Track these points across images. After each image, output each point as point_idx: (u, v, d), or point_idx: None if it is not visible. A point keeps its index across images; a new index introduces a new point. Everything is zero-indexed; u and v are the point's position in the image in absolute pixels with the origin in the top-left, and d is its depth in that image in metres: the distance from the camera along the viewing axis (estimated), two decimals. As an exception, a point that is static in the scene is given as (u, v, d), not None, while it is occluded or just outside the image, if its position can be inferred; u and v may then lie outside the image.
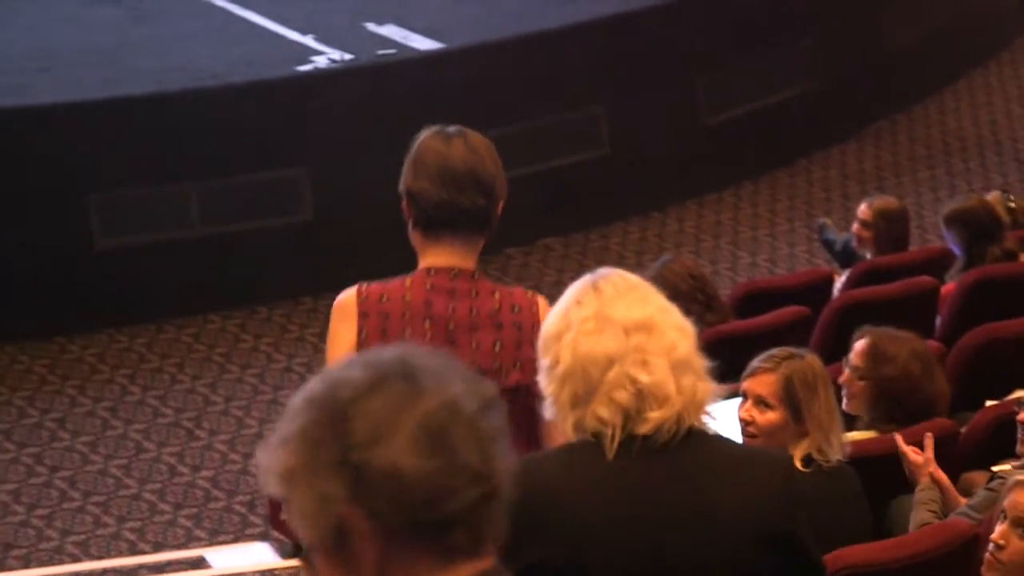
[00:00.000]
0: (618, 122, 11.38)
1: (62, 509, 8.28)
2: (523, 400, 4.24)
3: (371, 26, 11.07)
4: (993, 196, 8.77)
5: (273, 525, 6.81)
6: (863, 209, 8.55)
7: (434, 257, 4.58)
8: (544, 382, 3.58)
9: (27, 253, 9.28)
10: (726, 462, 3.60)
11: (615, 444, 3.44)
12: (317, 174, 10.48)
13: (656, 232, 11.22)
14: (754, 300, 8.04)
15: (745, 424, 5.34)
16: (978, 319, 7.29)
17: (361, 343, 4.48)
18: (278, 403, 8.90)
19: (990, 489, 5.49)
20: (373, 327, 4.51)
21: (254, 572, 7.68)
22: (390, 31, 11.03)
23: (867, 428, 6.19)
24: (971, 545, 5.11)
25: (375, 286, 4.57)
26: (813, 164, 12.02)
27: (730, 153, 11.82)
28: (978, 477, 5.71)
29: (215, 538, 8.19)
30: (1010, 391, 6.26)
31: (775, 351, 5.52)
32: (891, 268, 8.17)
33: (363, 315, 4.51)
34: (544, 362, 3.60)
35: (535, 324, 4.37)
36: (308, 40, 10.89)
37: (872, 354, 6.17)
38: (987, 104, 13.02)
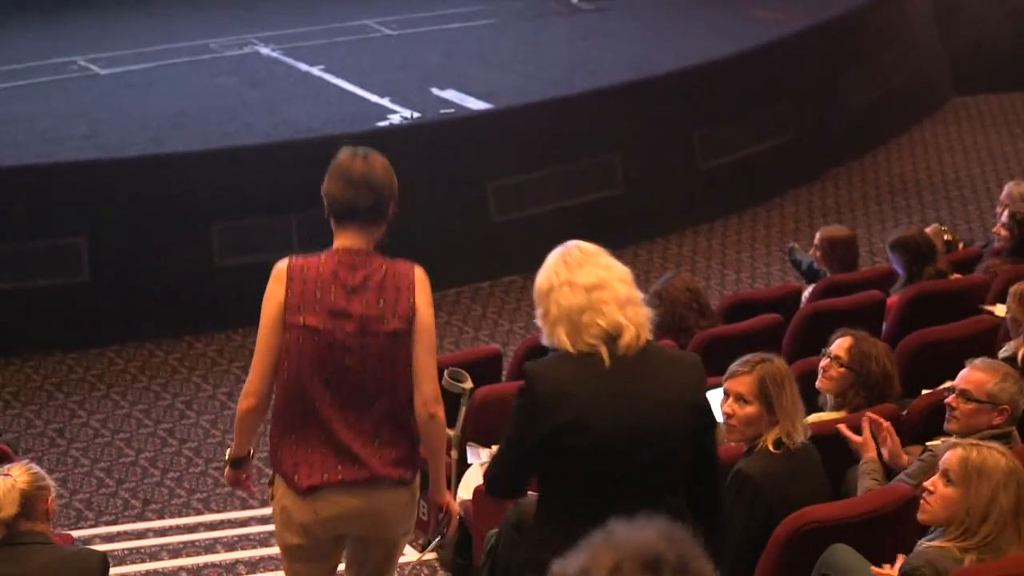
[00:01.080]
0: (631, 167, 11.38)
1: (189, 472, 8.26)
2: (401, 339, 4.82)
3: (435, 90, 11.08)
4: (931, 228, 8.76)
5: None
6: (817, 236, 8.56)
7: (342, 240, 4.94)
8: (542, 323, 4.40)
9: (164, 269, 9.31)
10: (667, 362, 4.41)
11: (606, 357, 4.22)
12: (400, 204, 10.48)
13: (660, 254, 11.22)
14: (738, 309, 8.03)
15: (727, 417, 5.36)
16: (916, 325, 7.29)
17: (287, 298, 4.81)
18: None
19: (922, 460, 5.52)
20: (296, 288, 4.84)
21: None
22: (450, 94, 11.02)
23: (834, 409, 6.19)
24: (910, 505, 5.12)
25: (300, 259, 4.91)
26: (785, 201, 12.01)
27: (719, 192, 11.82)
28: (914, 450, 5.70)
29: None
30: (941, 382, 6.24)
31: (750, 356, 5.48)
32: (847, 284, 8.17)
33: (290, 279, 4.84)
34: (539, 311, 4.42)
35: (411, 286, 4.89)
36: (385, 101, 10.89)
37: (857, 350, 6.17)
38: (924, 154, 13.01)
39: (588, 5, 12.98)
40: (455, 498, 5.84)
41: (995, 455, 4.74)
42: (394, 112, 10.75)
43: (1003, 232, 8.56)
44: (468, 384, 6.61)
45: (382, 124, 10.62)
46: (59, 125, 10.34)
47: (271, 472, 4.95)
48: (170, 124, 10.29)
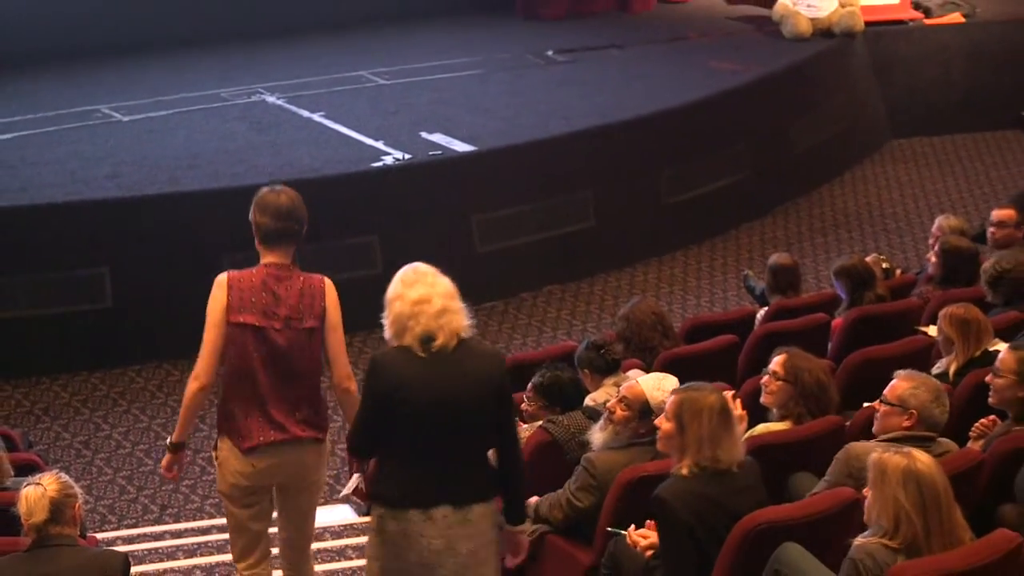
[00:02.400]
0: (602, 202, 11.39)
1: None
2: (316, 334, 5.58)
3: (424, 134, 11.06)
4: (871, 257, 8.77)
5: (355, 494, 6.94)
6: (767, 268, 8.58)
7: (269, 258, 5.60)
8: (386, 323, 5.10)
9: (180, 295, 9.27)
10: (475, 356, 5.14)
11: (420, 352, 5.03)
12: (385, 240, 10.50)
13: (628, 281, 11.22)
14: (698, 331, 8.03)
15: (658, 428, 5.40)
16: (858, 344, 7.30)
17: (229, 302, 5.49)
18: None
19: (837, 459, 5.56)
20: (235, 294, 5.51)
21: (339, 526, 7.64)
22: (438, 138, 11.00)
23: (778, 420, 6.19)
24: (853, 506, 5.13)
25: (236, 272, 5.58)
26: (741, 233, 12.03)
27: (682, 225, 11.83)
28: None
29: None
30: (878, 395, 6.25)
31: (694, 383, 5.49)
32: (796, 307, 8.17)
33: (230, 287, 5.52)
34: (385, 313, 5.11)
35: (322, 293, 5.60)
36: (379, 144, 10.86)
37: (791, 364, 6.18)
38: (864, 191, 13.05)
39: (562, 57, 12.99)
40: None
41: (895, 457, 4.74)
42: (387, 154, 10.71)
43: (934, 260, 8.59)
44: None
45: (376, 165, 10.58)
46: (85, 167, 10.32)
47: (215, 437, 5.70)
48: (185, 165, 10.27)
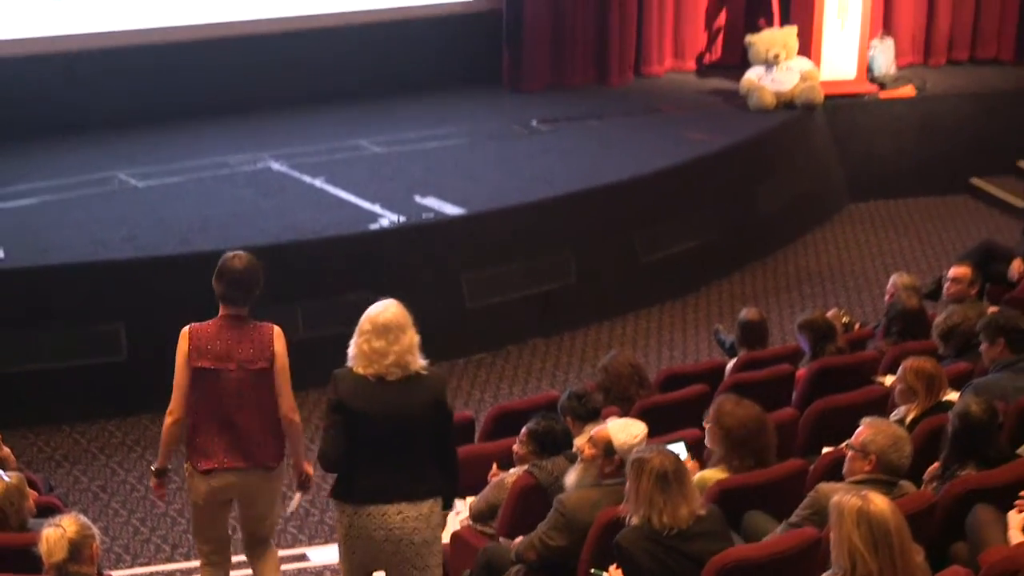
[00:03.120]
0: (582, 261, 11.42)
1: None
2: (266, 374, 6.09)
3: (418, 198, 11.09)
4: (832, 312, 8.81)
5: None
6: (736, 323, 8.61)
7: (226, 311, 6.14)
8: (350, 351, 5.72)
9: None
10: (420, 383, 5.72)
11: (373, 379, 5.65)
12: (382, 296, 10.48)
13: (607, 335, 11.24)
14: (672, 381, 8.05)
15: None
16: (820, 393, 7.33)
17: (189, 350, 6.07)
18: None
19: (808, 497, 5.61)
20: (193, 344, 6.08)
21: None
22: (431, 201, 11.03)
23: (715, 465, 6.17)
24: (815, 545, 5.14)
25: (197, 325, 6.14)
26: (711, 290, 12.06)
27: (657, 283, 11.85)
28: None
29: (312, 541, 8.17)
30: (841, 441, 6.27)
31: (651, 447, 5.58)
32: (762, 359, 8.20)
33: (190, 338, 6.11)
34: (351, 343, 5.72)
35: (271, 339, 6.12)
36: (376, 208, 10.87)
37: (717, 411, 6.20)
38: (825, 251, 13.10)
39: (545, 127, 13.05)
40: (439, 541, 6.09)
41: (852, 499, 4.75)
42: (383, 216, 10.73)
43: (887, 314, 8.65)
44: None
45: (373, 227, 10.60)
46: (103, 229, 10.34)
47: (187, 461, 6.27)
48: (197, 228, 10.28)
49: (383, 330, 5.65)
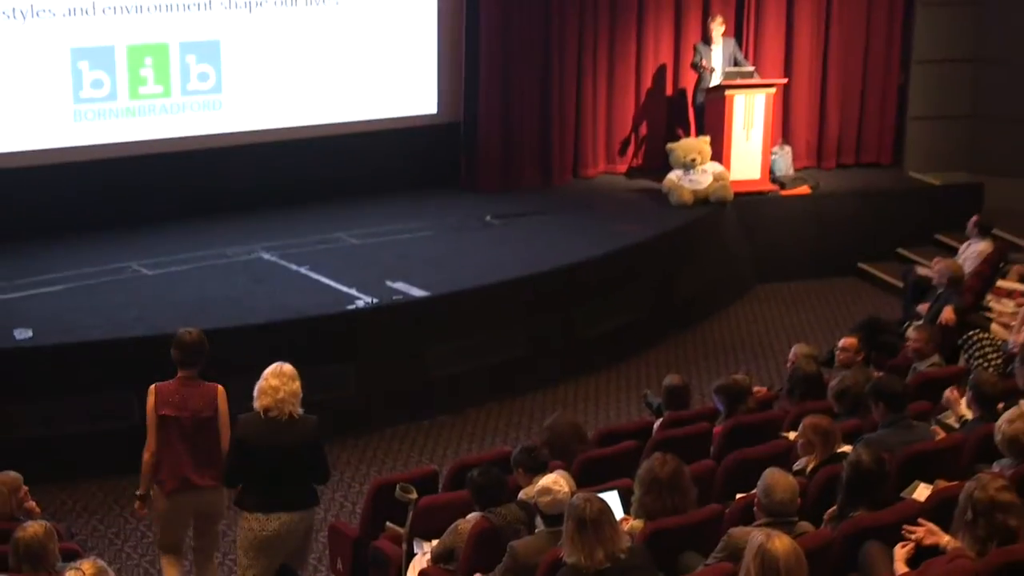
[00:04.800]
0: (532, 335, 11.45)
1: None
2: (211, 421, 6.91)
3: (389, 282, 11.11)
4: (742, 377, 8.82)
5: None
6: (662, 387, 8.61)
7: (182, 372, 6.99)
8: (255, 392, 6.61)
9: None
10: (299, 423, 6.62)
11: (263, 416, 6.56)
12: (359, 368, 10.49)
13: (552, 399, 11.25)
14: (608, 438, 8.05)
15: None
16: (734, 447, 7.35)
17: (155, 402, 6.93)
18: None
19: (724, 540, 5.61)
20: (159, 398, 6.94)
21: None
22: (400, 285, 11.06)
23: (635, 515, 6.15)
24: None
25: (161, 383, 6.98)
26: (640, 360, 12.09)
27: (594, 353, 11.88)
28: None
29: None
30: (752, 488, 6.29)
31: (585, 493, 5.60)
32: (684, 418, 8.21)
33: (156, 393, 6.98)
34: (256, 386, 6.62)
35: (215, 395, 6.96)
36: (353, 291, 10.88)
37: (642, 466, 6.19)
38: (738, 326, 13.17)
39: (497, 221, 13.10)
40: None
41: (758, 536, 4.76)
42: (359, 298, 10.73)
43: (790, 379, 8.70)
44: (413, 495, 6.61)
45: (350, 307, 10.60)
46: (117, 311, 10.32)
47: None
48: (198, 309, 10.26)
49: (279, 374, 6.60)
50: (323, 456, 6.81)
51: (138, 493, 7.16)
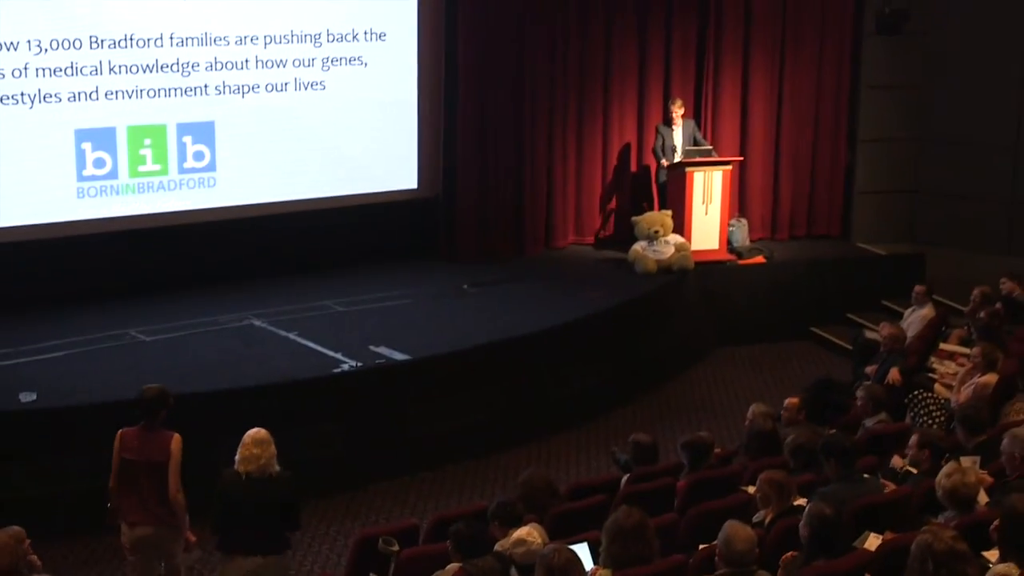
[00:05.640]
0: (506, 395, 11.47)
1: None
2: (164, 465, 7.30)
3: (372, 347, 11.10)
4: (705, 434, 8.82)
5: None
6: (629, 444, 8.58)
7: (143, 422, 7.44)
8: (236, 458, 7.02)
9: (184, 474, 9.12)
10: (275, 480, 7.03)
11: (246, 477, 6.96)
12: (344, 427, 10.45)
13: (526, 455, 11.21)
14: (578, 492, 8.02)
15: None
16: (698, 500, 7.35)
17: (120, 447, 7.39)
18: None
19: None
20: (123, 443, 7.41)
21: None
22: (383, 349, 11.06)
23: (603, 564, 6.12)
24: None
25: (126, 429, 7.43)
26: (608, 419, 12.10)
27: (565, 412, 11.89)
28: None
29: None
30: (714, 539, 6.28)
31: (558, 545, 5.63)
32: (650, 473, 8.20)
33: (121, 439, 7.46)
34: (238, 451, 7.02)
35: (169, 442, 7.35)
36: (338, 355, 10.87)
37: (609, 518, 6.17)
38: (698, 386, 13.22)
39: (474, 289, 13.14)
40: None
41: None
42: (345, 362, 10.71)
43: (748, 436, 8.71)
44: (395, 547, 6.59)
45: (336, 371, 10.58)
46: (117, 375, 10.28)
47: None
48: (193, 373, 10.25)
49: (259, 443, 7.00)
50: (296, 508, 7.23)
51: (107, 521, 7.65)
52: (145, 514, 7.41)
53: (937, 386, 10.23)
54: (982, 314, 11.02)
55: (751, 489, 7.45)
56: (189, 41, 12.27)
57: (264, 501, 7.00)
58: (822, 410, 9.80)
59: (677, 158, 14.30)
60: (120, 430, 7.44)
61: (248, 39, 12.62)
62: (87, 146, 12.00)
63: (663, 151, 14.45)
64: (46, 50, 11.58)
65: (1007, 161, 15.37)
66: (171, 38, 12.16)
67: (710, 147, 14.63)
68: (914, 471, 7.72)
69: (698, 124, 14.95)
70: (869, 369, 10.78)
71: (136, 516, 7.43)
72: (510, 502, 6.86)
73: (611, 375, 12.40)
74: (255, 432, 7.07)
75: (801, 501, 6.85)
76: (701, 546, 6.59)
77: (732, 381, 13.27)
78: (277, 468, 7.03)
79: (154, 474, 7.33)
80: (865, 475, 7.44)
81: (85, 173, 12.04)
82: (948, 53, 15.54)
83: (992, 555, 5.88)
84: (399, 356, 10.93)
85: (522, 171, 14.42)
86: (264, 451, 6.98)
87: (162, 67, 12.16)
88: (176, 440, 7.36)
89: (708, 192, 14.09)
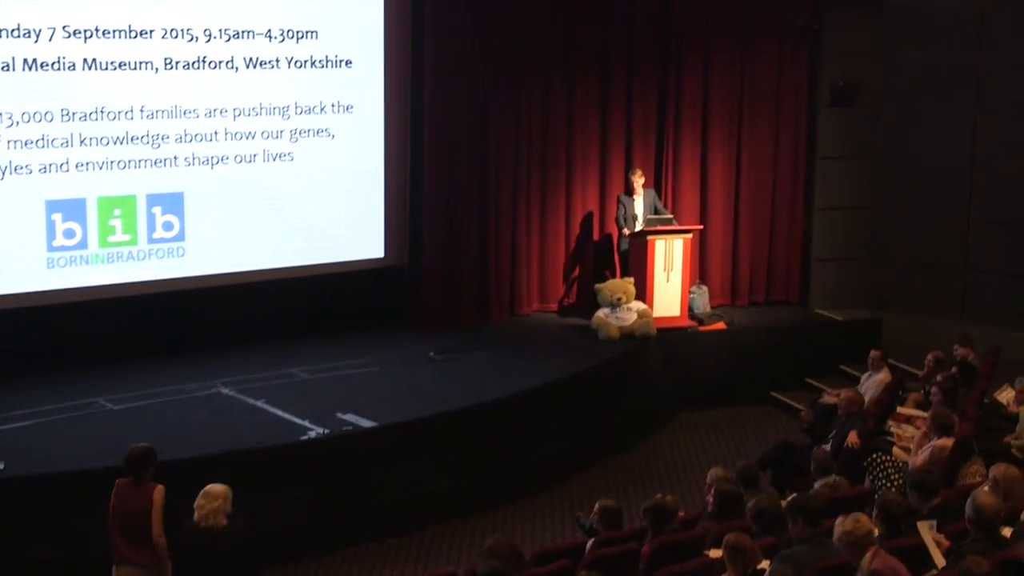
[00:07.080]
0: (473, 462, 11.45)
1: None
2: (147, 512, 7.87)
3: (339, 414, 11.12)
4: (669, 498, 8.83)
5: None
6: (594, 510, 8.56)
7: (131, 476, 8.05)
8: (195, 507, 7.56)
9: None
10: (229, 531, 7.43)
11: (203, 528, 7.40)
12: (313, 493, 10.41)
13: (491, 521, 11.20)
14: (543, 558, 8.01)
15: None
16: (663, 565, 7.38)
17: (113, 496, 8.06)
18: None
19: None
20: (117, 492, 8.06)
21: None
22: (350, 416, 11.08)
23: None
24: None
25: (122, 480, 8.06)
26: (572, 484, 12.10)
27: (533, 477, 11.89)
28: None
29: None
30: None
31: None
32: (616, 538, 8.20)
33: (116, 489, 8.10)
34: (195, 504, 7.63)
35: (152, 492, 7.92)
36: (306, 423, 10.87)
37: None
38: (663, 451, 13.25)
39: (440, 357, 13.17)
40: None
41: None
42: (312, 429, 10.72)
43: (710, 499, 8.72)
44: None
45: (303, 438, 10.58)
46: (85, 444, 10.26)
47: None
48: (162, 441, 10.01)
49: (205, 494, 7.56)
50: (246, 555, 7.62)
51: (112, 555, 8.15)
52: (128, 555, 7.96)
53: (896, 449, 10.33)
54: (939, 378, 11.13)
55: (714, 553, 7.48)
56: (159, 113, 12.36)
57: (213, 549, 7.42)
58: (784, 474, 9.85)
59: (639, 227, 14.45)
60: (117, 479, 8.06)
61: (217, 111, 12.72)
62: (57, 217, 12.03)
63: (625, 220, 14.61)
64: (17, 123, 11.65)
65: (959, 228, 15.62)
66: (141, 110, 12.25)
67: (671, 216, 14.80)
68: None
69: (659, 193, 15.14)
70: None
71: (120, 555, 8.01)
72: (476, 571, 6.88)
73: (575, 440, 12.43)
74: (209, 486, 7.60)
75: (764, 564, 6.89)
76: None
77: (694, 445, 13.32)
78: (224, 521, 7.48)
79: (136, 522, 7.88)
80: (827, 538, 7.48)
81: (55, 243, 12.06)
82: (900, 124, 15.84)
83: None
84: (366, 423, 10.94)
85: (487, 240, 14.53)
86: (209, 503, 7.47)
87: (132, 139, 12.23)
88: (159, 490, 7.91)
89: (669, 260, 14.22)
